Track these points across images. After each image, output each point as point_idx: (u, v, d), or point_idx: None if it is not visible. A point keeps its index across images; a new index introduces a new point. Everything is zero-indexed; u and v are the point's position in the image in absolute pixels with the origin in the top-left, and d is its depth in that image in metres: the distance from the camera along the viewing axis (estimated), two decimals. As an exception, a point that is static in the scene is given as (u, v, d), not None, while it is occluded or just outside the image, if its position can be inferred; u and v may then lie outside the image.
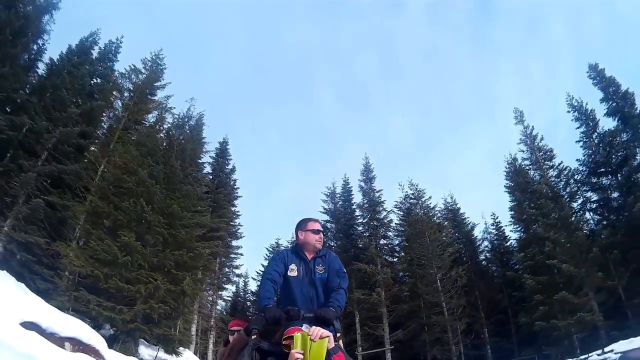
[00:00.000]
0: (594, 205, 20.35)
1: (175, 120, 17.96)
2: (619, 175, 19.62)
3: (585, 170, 20.86)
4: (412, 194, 25.50)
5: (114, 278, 11.86)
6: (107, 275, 11.89)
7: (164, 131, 17.76)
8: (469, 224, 27.75)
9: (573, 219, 19.18)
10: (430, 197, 25.89)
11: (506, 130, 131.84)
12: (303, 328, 2.13)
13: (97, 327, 11.77)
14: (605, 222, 19.51)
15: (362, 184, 26.44)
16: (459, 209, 28.53)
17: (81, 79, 14.38)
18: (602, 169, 19.81)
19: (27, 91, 13.69)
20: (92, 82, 15.73)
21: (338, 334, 2.45)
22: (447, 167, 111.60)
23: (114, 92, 17.34)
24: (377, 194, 25.62)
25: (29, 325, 7.82)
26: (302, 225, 2.92)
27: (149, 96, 19.05)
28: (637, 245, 16.44)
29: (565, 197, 20.32)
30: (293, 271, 2.79)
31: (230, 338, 3.10)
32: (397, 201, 26.64)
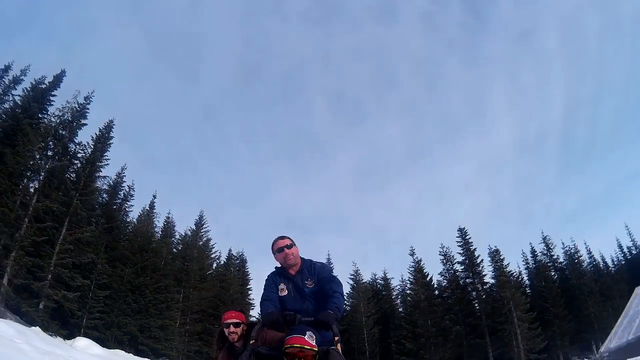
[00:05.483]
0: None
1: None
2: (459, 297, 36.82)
3: (446, 288, 38.03)
4: (354, 278, 43.29)
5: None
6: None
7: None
8: (397, 288, 45.75)
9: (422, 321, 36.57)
10: (364, 282, 43.89)
11: (495, 141, 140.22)
12: (306, 338, 2.27)
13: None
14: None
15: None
16: (390, 279, 46.33)
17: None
18: (449, 294, 37.05)
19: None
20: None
21: (336, 338, 2.62)
22: (436, 176, 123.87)
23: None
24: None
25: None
26: (271, 248, 3.17)
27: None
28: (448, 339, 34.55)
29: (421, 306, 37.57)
30: (283, 291, 3.05)
31: (226, 332, 3.00)
32: (350, 274, 44.56)
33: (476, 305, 35.65)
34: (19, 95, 24.80)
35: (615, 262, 42.95)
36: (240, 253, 44.12)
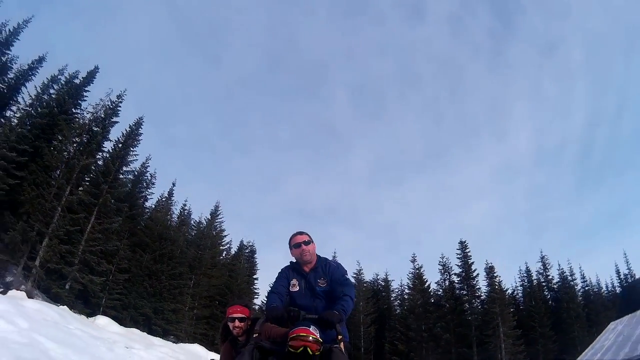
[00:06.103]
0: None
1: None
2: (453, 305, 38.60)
3: (441, 297, 39.78)
4: (356, 277, 45.23)
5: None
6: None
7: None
8: (396, 290, 47.78)
9: (415, 325, 38.66)
10: (366, 281, 45.87)
11: (511, 149, 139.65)
12: (311, 329, 2.34)
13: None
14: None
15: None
16: (391, 281, 48.33)
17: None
18: (443, 303, 38.80)
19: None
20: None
21: (339, 337, 2.63)
22: (449, 178, 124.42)
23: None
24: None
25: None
26: (288, 243, 3.19)
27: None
28: (438, 345, 36.51)
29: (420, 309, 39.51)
30: (295, 286, 3.06)
31: (230, 326, 3.00)
32: (354, 272, 46.63)
33: (468, 316, 37.40)
34: (54, 89, 26.47)
35: (610, 288, 43.91)
36: (251, 243, 46.15)
